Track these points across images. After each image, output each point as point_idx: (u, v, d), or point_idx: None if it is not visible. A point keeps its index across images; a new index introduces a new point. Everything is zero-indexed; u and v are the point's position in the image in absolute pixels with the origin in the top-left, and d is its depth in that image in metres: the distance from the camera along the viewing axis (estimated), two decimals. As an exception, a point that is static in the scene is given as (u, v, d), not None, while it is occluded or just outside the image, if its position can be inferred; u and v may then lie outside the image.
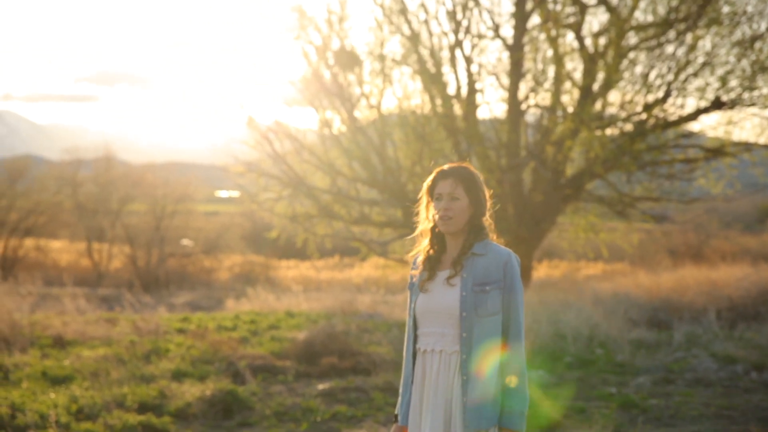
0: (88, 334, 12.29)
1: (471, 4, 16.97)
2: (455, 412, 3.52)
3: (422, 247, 3.73)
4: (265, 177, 18.30)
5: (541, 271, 30.71)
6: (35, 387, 8.86)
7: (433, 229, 3.70)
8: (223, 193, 61.23)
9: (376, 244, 18.74)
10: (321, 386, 9.52)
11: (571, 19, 16.90)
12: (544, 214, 17.26)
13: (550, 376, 10.25)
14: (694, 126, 17.97)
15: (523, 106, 17.46)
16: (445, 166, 3.68)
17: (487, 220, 3.70)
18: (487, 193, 3.70)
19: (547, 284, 20.24)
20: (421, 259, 3.72)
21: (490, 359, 3.51)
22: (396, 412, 3.76)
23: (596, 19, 17.95)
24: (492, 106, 20.10)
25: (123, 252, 35.29)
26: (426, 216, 3.71)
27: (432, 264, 3.67)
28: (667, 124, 16.94)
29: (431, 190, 3.67)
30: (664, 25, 16.37)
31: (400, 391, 3.75)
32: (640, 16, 16.92)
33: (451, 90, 17.24)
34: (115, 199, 36.24)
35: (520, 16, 17.02)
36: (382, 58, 17.46)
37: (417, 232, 3.76)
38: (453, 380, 3.54)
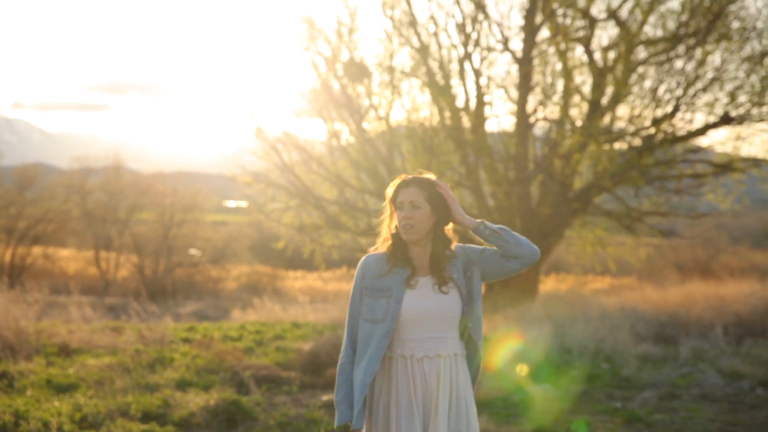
0: (93, 343, 12.28)
1: (480, 16, 17.00)
2: (462, 408, 3.60)
3: (386, 249, 3.73)
4: (273, 187, 18.33)
5: (548, 285, 30.66)
6: (39, 395, 8.86)
7: (394, 236, 3.71)
8: (231, 203, 61.31)
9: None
10: (325, 397, 9.51)
11: (581, 33, 16.92)
12: (552, 228, 17.23)
13: (556, 389, 10.21)
14: (702, 141, 17.96)
15: (532, 120, 17.47)
16: (408, 176, 3.72)
17: (450, 230, 3.75)
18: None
19: (553, 298, 20.19)
20: (387, 258, 3.70)
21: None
22: (346, 421, 3.60)
23: (606, 33, 18.04)
24: (500, 119, 20.06)
25: (130, 261, 35.35)
26: (389, 224, 3.73)
27: (412, 267, 3.68)
28: (675, 139, 16.94)
29: (393, 199, 3.69)
30: (673, 40, 16.37)
31: (355, 398, 3.59)
32: (649, 30, 16.94)
33: (460, 102, 17.26)
34: (124, 208, 36.34)
35: (530, 30, 17.04)
36: (391, 69, 17.49)
37: (379, 239, 3.76)
38: (459, 380, 3.63)
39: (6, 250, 35.60)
